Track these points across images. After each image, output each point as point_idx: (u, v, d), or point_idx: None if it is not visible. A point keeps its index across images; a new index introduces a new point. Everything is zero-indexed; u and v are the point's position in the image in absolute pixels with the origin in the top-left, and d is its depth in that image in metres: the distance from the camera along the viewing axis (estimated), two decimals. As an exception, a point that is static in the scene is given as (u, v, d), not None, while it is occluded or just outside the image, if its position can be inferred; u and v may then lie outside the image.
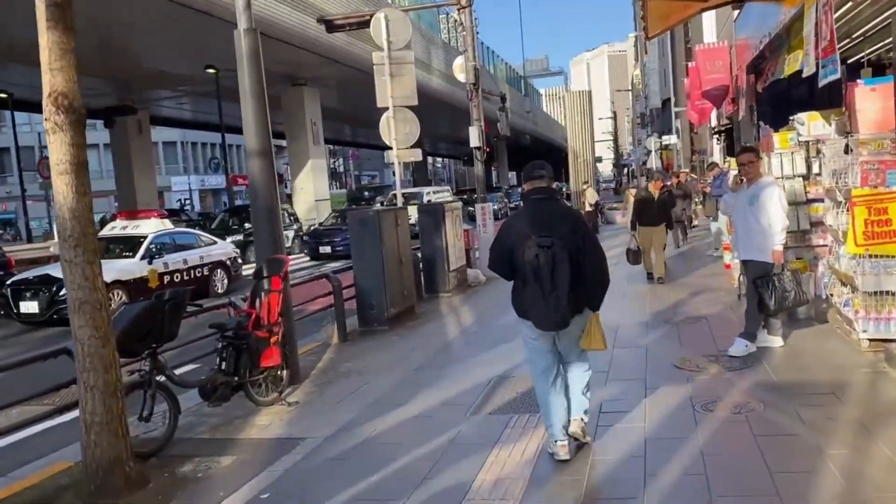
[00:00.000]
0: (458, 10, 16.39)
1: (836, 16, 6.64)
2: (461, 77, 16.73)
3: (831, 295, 7.57)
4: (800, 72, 9.24)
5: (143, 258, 13.20)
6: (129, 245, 13.49)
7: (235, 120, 6.18)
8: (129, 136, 33.27)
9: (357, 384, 6.98)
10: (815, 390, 5.58)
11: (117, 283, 12.10)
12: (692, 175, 25.08)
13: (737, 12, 14.05)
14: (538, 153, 73.39)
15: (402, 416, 5.86)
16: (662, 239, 11.94)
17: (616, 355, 7.18)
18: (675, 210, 14.10)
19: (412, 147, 12.08)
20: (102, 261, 12.88)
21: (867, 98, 7.10)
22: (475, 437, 5.24)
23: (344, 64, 27.61)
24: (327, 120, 37.10)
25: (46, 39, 4.51)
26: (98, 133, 44.50)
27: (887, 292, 6.33)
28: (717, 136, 23.40)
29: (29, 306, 11.96)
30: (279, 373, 6.60)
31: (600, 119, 69.21)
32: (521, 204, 5.02)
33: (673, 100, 39.59)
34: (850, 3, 7.46)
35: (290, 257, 11.45)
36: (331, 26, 16.60)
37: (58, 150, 4.55)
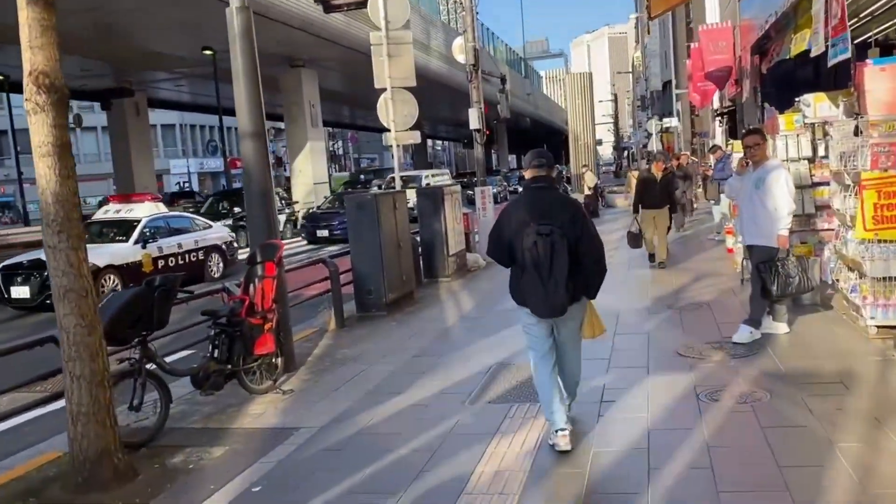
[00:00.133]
0: (458, -11, 16.13)
1: (845, -6, 6.44)
2: (460, 58, 16.49)
3: (837, 281, 7.41)
4: (806, 52, 9.05)
5: (136, 242, 13.01)
6: (122, 229, 13.30)
7: (233, 102, 6.04)
8: (127, 119, 33.02)
9: (354, 372, 6.84)
10: (822, 379, 5.43)
11: (110, 268, 11.95)
12: (693, 158, 24.87)
13: (741, -8, 13.83)
14: (538, 136, 73.18)
15: (400, 405, 5.73)
16: (665, 222, 11.72)
17: (617, 342, 7.05)
18: (675, 193, 13.88)
19: (411, 129, 11.88)
20: (95, 245, 12.73)
21: (877, 78, 6.88)
22: (474, 427, 5.10)
23: (342, 45, 27.29)
24: (326, 102, 36.81)
25: (26, 15, 4.33)
26: (97, 116, 44.29)
27: (896, 278, 6.18)
28: (719, 118, 23.15)
29: (20, 291, 11.77)
30: (273, 360, 6.46)
31: (601, 102, 68.74)
32: (521, 190, 5.03)
33: (674, 82, 39.25)
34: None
35: (284, 242, 11.33)
36: (328, 6, 16.28)
37: (39, 132, 4.38)
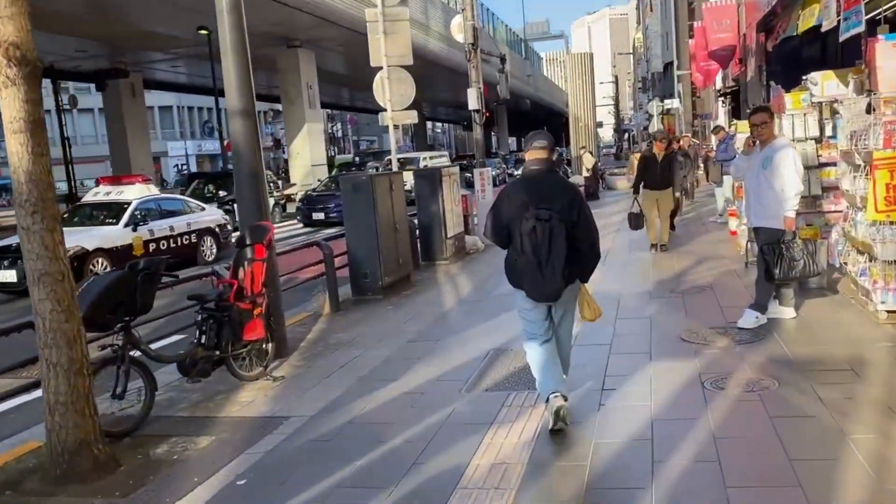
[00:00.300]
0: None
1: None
2: (459, 37, 16.17)
3: (845, 264, 7.20)
4: (812, 30, 8.79)
5: (126, 225, 12.75)
6: (112, 211, 13.02)
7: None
8: (123, 100, 32.67)
9: (347, 357, 6.64)
10: (831, 366, 5.23)
11: (99, 251, 11.70)
12: (694, 140, 24.56)
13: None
14: (539, 118, 72.74)
15: (394, 393, 5.53)
16: (669, 204, 11.38)
17: (619, 327, 6.85)
18: (678, 175, 13.54)
19: (408, 109, 11.62)
20: (84, 228, 12.50)
21: (889, 54, 6.62)
22: (470, 416, 4.91)
23: (339, 25, 26.93)
24: (325, 83, 36.46)
25: (-7, -17, 4.07)
26: (93, 97, 43.83)
27: (908, 261, 5.97)
28: (722, 98, 22.85)
29: (6, 275, 11.47)
30: (264, 346, 6.25)
31: (601, 83, 68.12)
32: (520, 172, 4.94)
33: (675, 63, 38.82)
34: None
35: (276, 225, 11.09)
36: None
37: (11, 107, 4.14)
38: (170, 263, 12.98)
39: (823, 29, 7.01)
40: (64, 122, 32.23)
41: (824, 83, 8.03)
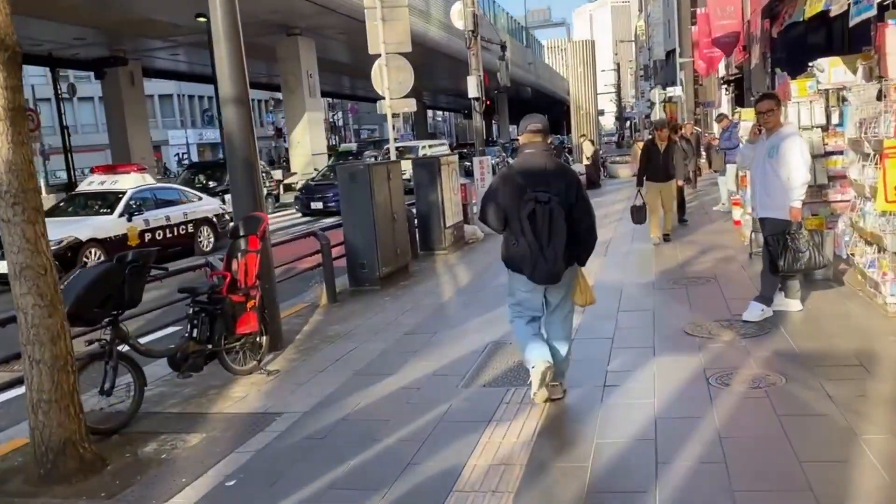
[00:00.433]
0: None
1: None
2: (459, 24, 15.97)
3: (853, 255, 7.03)
4: (818, 15, 8.58)
5: (121, 215, 12.56)
6: (107, 201, 12.84)
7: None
8: (122, 88, 32.46)
9: (343, 350, 6.50)
10: (840, 361, 5.07)
11: (93, 242, 11.53)
12: (696, 128, 24.33)
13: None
14: (540, 106, 72.27)
15: (389, 388, 5.38)
16: (672, 196, 11.12)
17: (621, 320, 6.70)
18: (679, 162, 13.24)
19: (406, 97, 11.43)
20: (78, 218, 12.33)
21: (900, 40, 6.46)
22: (467, 413, 4.76)
23: (338, 12, 26.66)
24: (325, 72, 36.20)
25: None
26: (93, 85, 43.58)
27: (919, 253, 5.80)
28: (725, 86, 22.60)
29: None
30: (258, 339, 6.12)
31: (603, 71, 67.63)
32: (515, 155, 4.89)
33: (678, 50, 38.49)
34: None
35: (271, 215, 10.90)
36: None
37: (-11, 94, 3.97)
38: (166, 254, 12.92)
39: (833, 13, 6.81)
40: (63, 111, 32.04)
41: (831, 70, 7.84)
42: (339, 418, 4.88)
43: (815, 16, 8.77)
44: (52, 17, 23.39)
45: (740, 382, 4.83)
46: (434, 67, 37.96)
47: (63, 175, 34.57)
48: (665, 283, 8.16)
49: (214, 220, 14.71)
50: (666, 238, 10.89)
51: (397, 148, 13.33)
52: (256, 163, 6.80)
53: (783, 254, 6.10)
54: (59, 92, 31.73)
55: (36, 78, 44.55)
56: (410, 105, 11.61)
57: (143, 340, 6.18)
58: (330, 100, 64.84)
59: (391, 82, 11.04)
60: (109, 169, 14.83)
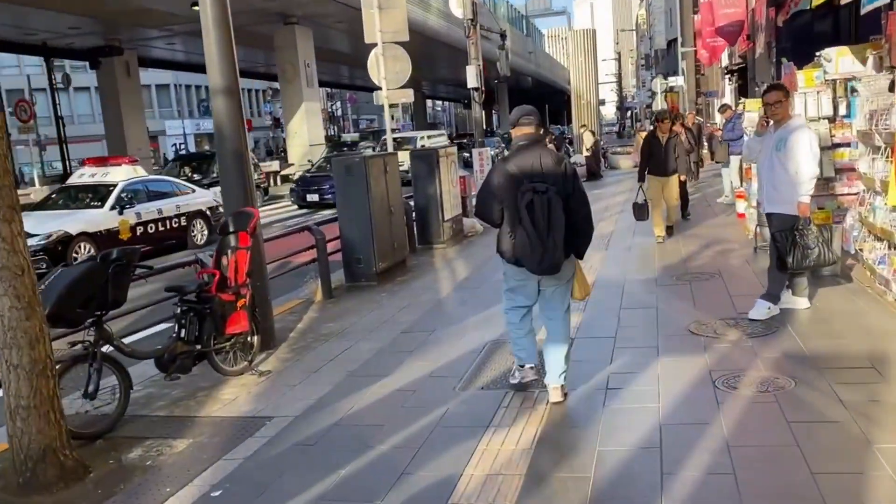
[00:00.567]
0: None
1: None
2: (458, 12, 15.72)
3: (861, 251, 6.84)
4: (825, 3, 8.37)
5: (112, 208, 12.34)
6: (98, 194, 12.62)
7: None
8: (117, 78, 32.12)
9: (338, 349, 6.32)
10: (851, 363, 4.89)
11: (84, 236, 11.33)
12: (698, 118, 24.07)
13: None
14: (540, 96, 72.00)
15: (384, 391, 5.21)
16: (675, 191, 10.74)
17: (623, 318, 6.52)
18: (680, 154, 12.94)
19: (404, 87, 11.22)
20: (69, 211, 12.09)
21: (912, 29, 6.25)
22: (464, 418, 4.59)
23: (336, 0, 26.38)
24: (323, 61, 35.91)
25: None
26: (89, 75, 43.25)
27: (931, 250, 5.62)
28: (729, 76, 22.35)
29: None
30: (249, 339, 5.93)
31: (604, 60, 67.22)
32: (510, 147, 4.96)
33: (679, 40, 38.19)
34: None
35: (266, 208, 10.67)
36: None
37: (-40, 86, 3.77)
38: (159, 247, 12.71)
39: (842, 1, 6.59)
40: (58, 101, 31.77)
41: (839, 59, 7.62)
42: (331, 423, 4.71)
43: (822, 4, 8.57)
44: (47, 6, 23.11)
45: (748, 386, 4.65)
46: (433, 57, 37.62)
47: (59, 166, 34.33)
48: (668, 278, 7.98)
49: (208, 212, 14.46)
50: (669, 231, 10.66)
51: (395, 139, 13.10)
52: (247, 155, 6.60)
53: (792, 250, 5.91)
54: (55, 82, 31.44)
55: (31, 68, 44.30)
56: (408, 95, 11.41)
57: (129, 340, 5.99)
58: (328, 89, 64.45)
59: (388, 72, 10.82)
60: (100, 161, 14.59)
